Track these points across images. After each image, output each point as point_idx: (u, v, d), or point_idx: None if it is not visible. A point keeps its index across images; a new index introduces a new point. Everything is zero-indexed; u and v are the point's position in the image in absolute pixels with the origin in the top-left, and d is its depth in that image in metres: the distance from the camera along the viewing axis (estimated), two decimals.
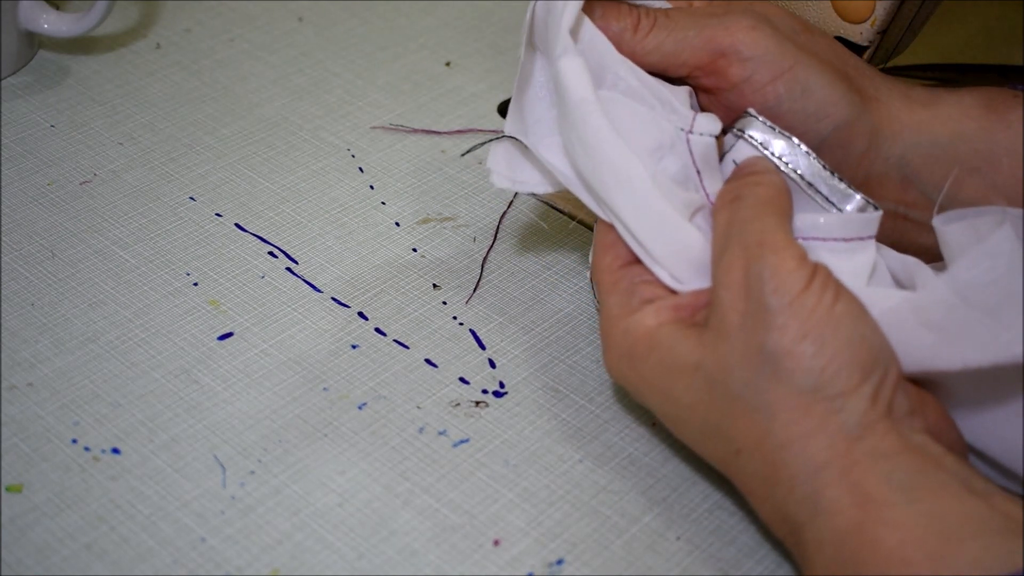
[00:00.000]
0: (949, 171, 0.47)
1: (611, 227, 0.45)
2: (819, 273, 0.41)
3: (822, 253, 0.44)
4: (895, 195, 0.49)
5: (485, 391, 0.50)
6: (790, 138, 0.45)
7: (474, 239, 0.57)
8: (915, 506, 0.37)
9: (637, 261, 0.44)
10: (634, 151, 0.43)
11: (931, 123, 0.48)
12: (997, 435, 0.43)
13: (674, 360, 0.42)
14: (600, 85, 0.45)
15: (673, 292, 0.44)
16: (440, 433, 0.48)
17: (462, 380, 0.50)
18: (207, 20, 0.72)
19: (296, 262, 0.55)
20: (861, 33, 0.53)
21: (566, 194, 0.60)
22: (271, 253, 0.56)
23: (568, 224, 0.58)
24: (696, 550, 0.44)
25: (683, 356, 0.42)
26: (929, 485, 0.38)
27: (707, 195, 0.45)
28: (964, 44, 0.71)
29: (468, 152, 0.51)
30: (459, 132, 0.64)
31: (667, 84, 0.47)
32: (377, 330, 0.52)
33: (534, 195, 0.60)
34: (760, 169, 0.44)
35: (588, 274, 0.53)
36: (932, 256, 0.45)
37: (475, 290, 0.55)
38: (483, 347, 0.52)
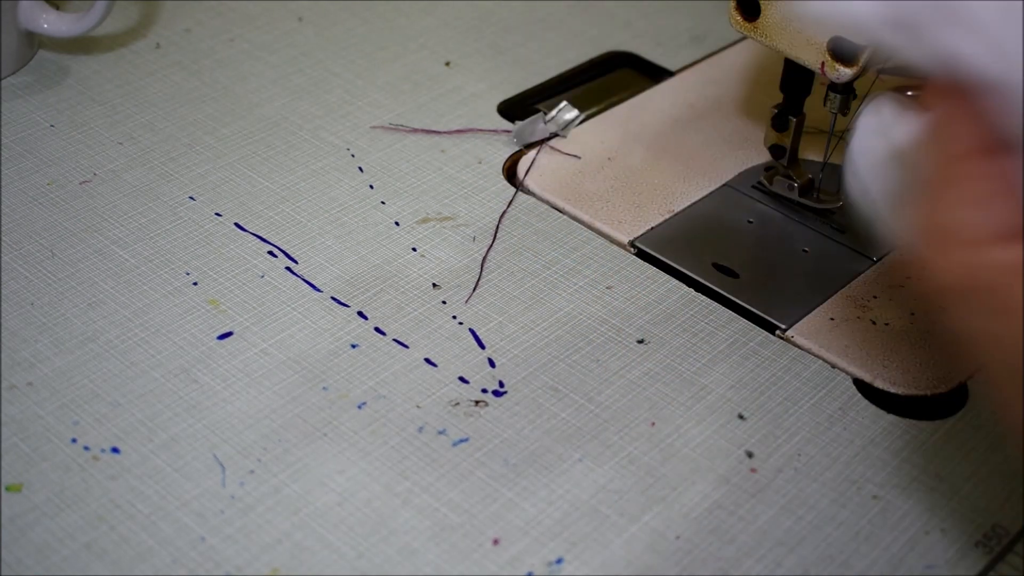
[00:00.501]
0: None
1: (962, 93, 0.31)
2: None
3: None
4: None
5: (485, 390, 0.50)
6: None
7: (474, 239, 0.57)
8: None
9: (1002, 150, 0.30)
10: None
11: None
12: None
13: None
14: None
15: None
16: (439, 432, 0.48)
17: (462, 379, 0.50)
18: (207, 20, 0.72)
19: (296, 261, 0.56)
20: None
21: (566, 194, 0.60)
22: (271, 252, 0.56)
23: (569, 224, 0.58)
24: (696, 549, 0.44)
25: None
26: None
27: None
28: None
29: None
30: (459, 132, 0.64)
31: None
32: (377, 329, 0.52)
33: (534, 195, 0.60)
34: None
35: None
36: None
37: (475, 289, 0.55)
38: (483, 346, 0.52)
